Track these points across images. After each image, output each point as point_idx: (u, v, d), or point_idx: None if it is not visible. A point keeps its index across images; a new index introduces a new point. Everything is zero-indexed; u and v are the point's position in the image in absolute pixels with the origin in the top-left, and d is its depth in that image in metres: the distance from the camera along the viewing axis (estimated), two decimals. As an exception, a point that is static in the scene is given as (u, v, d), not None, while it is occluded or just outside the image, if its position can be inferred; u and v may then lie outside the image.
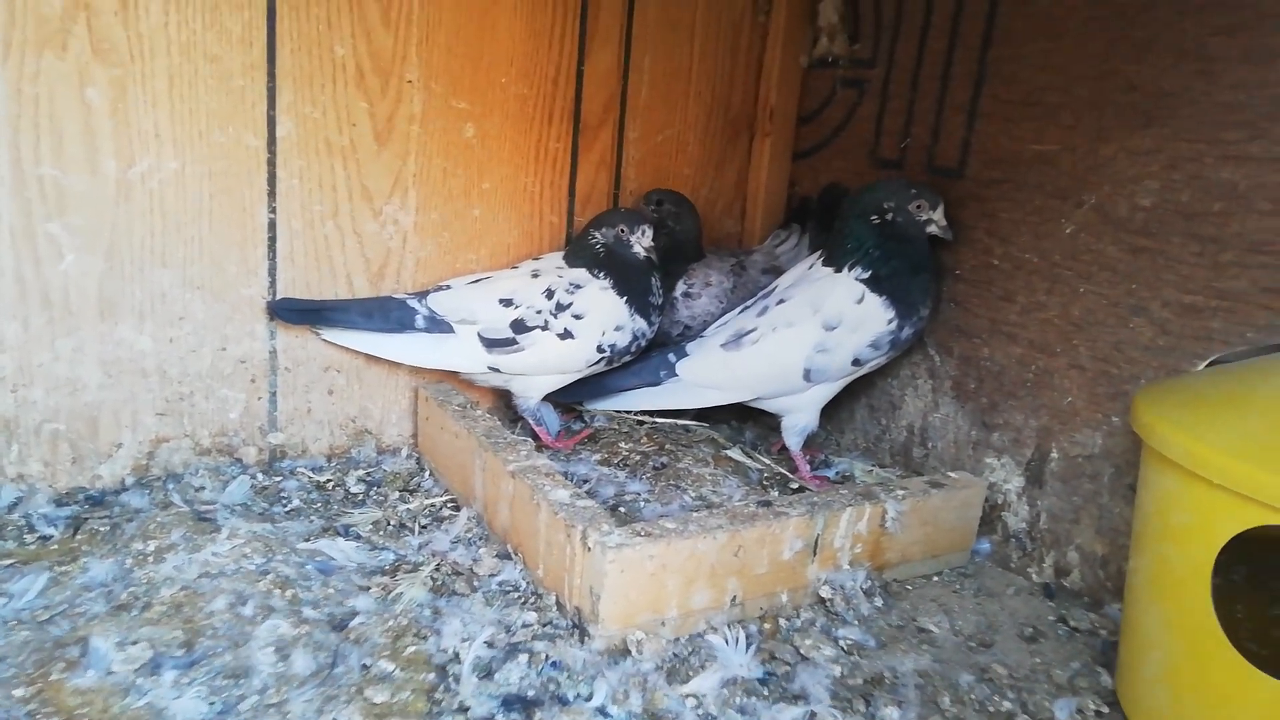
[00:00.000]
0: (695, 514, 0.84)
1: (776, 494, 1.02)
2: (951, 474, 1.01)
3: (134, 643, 0.70)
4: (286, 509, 0.97)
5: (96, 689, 0.66)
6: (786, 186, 1.33)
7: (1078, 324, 0.94)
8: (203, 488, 0.97)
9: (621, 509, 0.96)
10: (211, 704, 0.65)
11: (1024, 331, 1.00)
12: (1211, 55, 0.82)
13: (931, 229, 1.03)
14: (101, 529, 0.88)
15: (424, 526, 0.95)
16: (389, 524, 0.95)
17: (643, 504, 0.96)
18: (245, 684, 0.68)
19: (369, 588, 0.82)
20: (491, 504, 0.94)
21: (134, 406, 0.99)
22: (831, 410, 1.22)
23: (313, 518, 0.94)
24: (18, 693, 0.65)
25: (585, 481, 0.99)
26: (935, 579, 0.98)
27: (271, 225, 1.03)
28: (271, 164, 1.01)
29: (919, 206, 1.02)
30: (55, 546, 0.86)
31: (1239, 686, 0.64)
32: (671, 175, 1.28)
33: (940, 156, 1.09)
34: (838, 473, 1.16)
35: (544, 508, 0.84)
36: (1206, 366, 0.82)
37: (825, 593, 0.89)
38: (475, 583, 0.85)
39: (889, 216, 1.03)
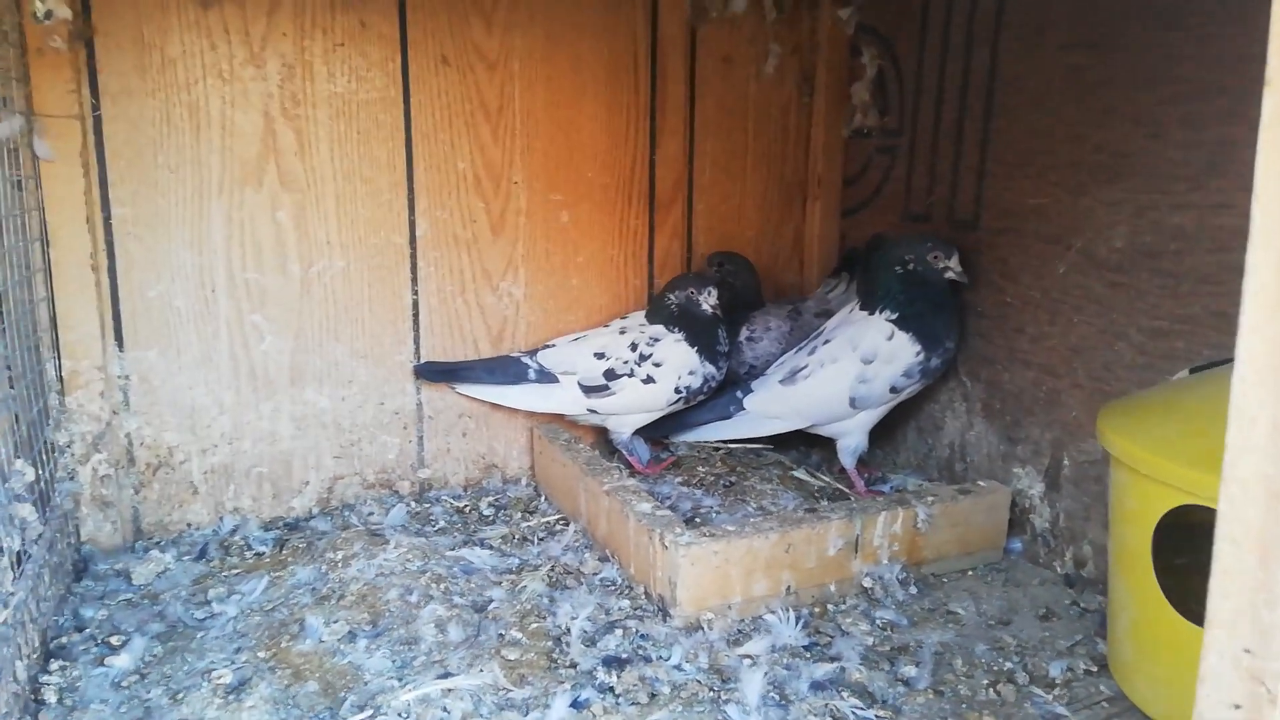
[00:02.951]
0: (752, 519, 1.05)
1: (825, 504, 1.22)
2: (980, 482, 1.19)
3: (336, 621, 0.96)
4: (435, 528, 1.23)
5: (313, 652, 0.92)
6: (837, 240, 1.54)
7: (1075, 349, 1.11)
8: (371, 513, 1.24)
9: (696, 519, 1.18)
10: (393, 661, 0.90)
11: (1035, 357, 1.17)
12: (1158, 121, 0.99)
13: (949, 274, 1.22)
14: (300, 545, 1.16)
15: (541, 538, 1.19)
16: (514, 537, 1.20)
17: (714, 515, 1.18)
18: (416, 648, 0.93)
19: (500, 583, 1.06)
20: (593, 518, 1.18)
21: (317, 452, 1.28)
22: (887, 433, 1.41)
23: (455, 533, 1.20)
24: (260, 654, 0.92)
25: (667, 499, 1.22)
26: (970, 573, 1.15)
27: (415, 304, 1.30)
28: (413, 257, 1.29)
29: (935, 257, 1.21)
30: (268, 559, 1.14)
31: (1180, 640, 0.80)
32: (736, 238, 1.50)
33: (959, 210, 1.27)
34: (892, 487, 1.34)
35: (631, 518, 1.06)
36: (1176, 379, 0.98)
37: (867, 583, 1.08)
38: (581, 579, 1.09)
39: (910, 266, 1.22)
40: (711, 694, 0.87)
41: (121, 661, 0.89)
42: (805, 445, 1.46)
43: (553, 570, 1.10)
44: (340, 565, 1.08)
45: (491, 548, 1.16)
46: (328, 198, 1.23)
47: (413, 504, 1.29)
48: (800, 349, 1.33)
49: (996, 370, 1.23)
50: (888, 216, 1.42)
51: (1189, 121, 0.96)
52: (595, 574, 1.10)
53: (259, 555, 1.15)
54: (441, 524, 1.24)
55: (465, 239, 1.32)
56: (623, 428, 1.33)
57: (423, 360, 1.31)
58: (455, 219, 1.31)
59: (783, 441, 1.42)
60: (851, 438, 1.29)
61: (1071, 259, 1.10)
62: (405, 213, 1.28)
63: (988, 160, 1.23)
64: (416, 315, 1.31)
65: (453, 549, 1.14)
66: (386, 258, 1.28)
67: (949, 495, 1.14)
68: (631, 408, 1.30)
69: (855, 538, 1.08)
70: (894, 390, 1.24)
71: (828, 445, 1.39)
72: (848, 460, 1.30)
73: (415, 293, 1.30)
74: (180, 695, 0.84)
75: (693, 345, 1.29)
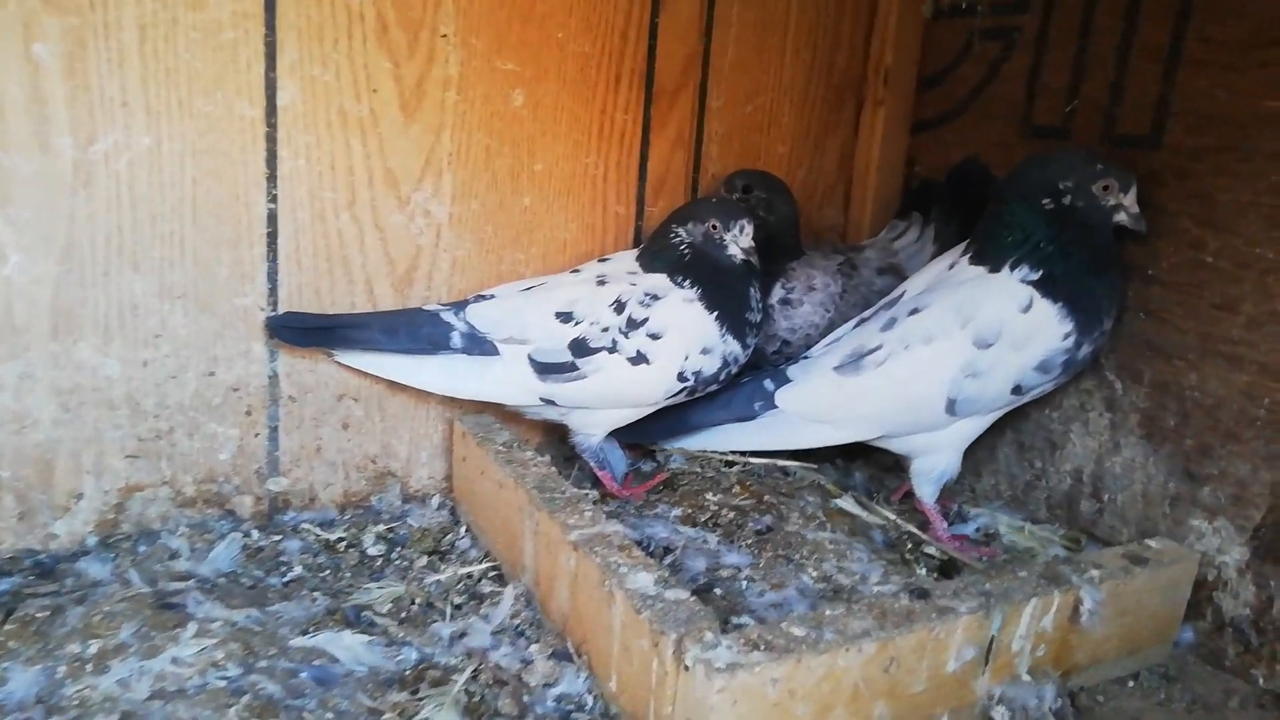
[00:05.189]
0: (829, 612, 0.60)
1: (925, 573, 0.78)
2: (1151, 543, 0.77)
3: (41, 815, 0.49)
4: (284, 580, 0.76)
5: None
6: (903, 166, 1.09)
7: (1342, 344, 0.69)
8: (178, 553, 0.76)
9: (717, 590, 0.72)
10: None
11: (1253, 352, 0.75)
12: None
13: (1120, 217, 0.79)
14: (40, 615, 0.67)
15: (458, 607, 0.73)
16: (413, 604, 0.73)
17: (745, 584, 0.72)
18: None
19: (382, 711, 0.60)
20: (546, 580, 0.72)
21: (99, 447, 0.79)
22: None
23: (316, 594, 0.73)
24: None
25: (668, 550, 0.76)
26: (1131, 684, 0.74)
27: (272, 217, 0.82)
28: (271, 140, 0.81)
29: (1105, 188, 0.78)
30: (-23, 641, 0.65)
31: None
32: (763, 153, 1.04)
33: (1125, 121, 0.84)
34: (978, 529, 0.92)
35: (620, 599, 0.61)
36: None
37: (999, 715, 0.65)
38: (525, 698, 0.63)
39: (1066, 200, 0.78)
40: None
41: None
42: (844, 456, 1.02)
43: (475, 680, 0.64)
44: (90, 668, 0.60)
45: (373, 626, 0.69)
46: (126, 28, 0.74)
47: (254, 535, 0.82)
48: (866, 321, 0.88)
49: (1174, 367, 0.80)
50: (991, 132, 0.97)
51: None
52: (548, 686, 0.64)
53: (-34, 629, 0.66)
54: (296, 572, 0.77)
55: (359, 118, 0.83)
56: (592, 428, 0.87)
57: (282, 309, 0.83)
58: (344, 84, 0.82)
59: (809, 450, 0.97)
60: (938, 458, 0.86)
61: (1354, 197, 0.68)
62: (260, 66, 0.79)
63: (1186, 40, 0.79)
64: (273, 235, 0.82)
65: (305, 630, 0.67)
66: (227, 138, 0.79)
67: (1117, 565, 0.72)
68: (610, 399, 0.84)
69: (989, 641, 0.64)
70: (1017, 390, 0.81)
71: (875, 455, 0.96)
72: (926, 491, 0.87)
73: (273, 199, 0.81)
74: None
75: (711, 309, 0.83)
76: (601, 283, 0.84)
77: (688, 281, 0.84)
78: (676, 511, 0.83)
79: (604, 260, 0.90)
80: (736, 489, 0.87)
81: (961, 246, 0.86)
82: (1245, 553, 0.76)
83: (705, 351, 0.83)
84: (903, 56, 1.05)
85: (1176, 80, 0.80)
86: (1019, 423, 0.95)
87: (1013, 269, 0.79)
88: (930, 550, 0.85)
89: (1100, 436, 0.87)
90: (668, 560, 0.74)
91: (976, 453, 0.99)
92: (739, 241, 0.83)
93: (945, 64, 1.03)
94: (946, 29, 1.03)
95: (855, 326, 0.89)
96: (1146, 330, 0.83)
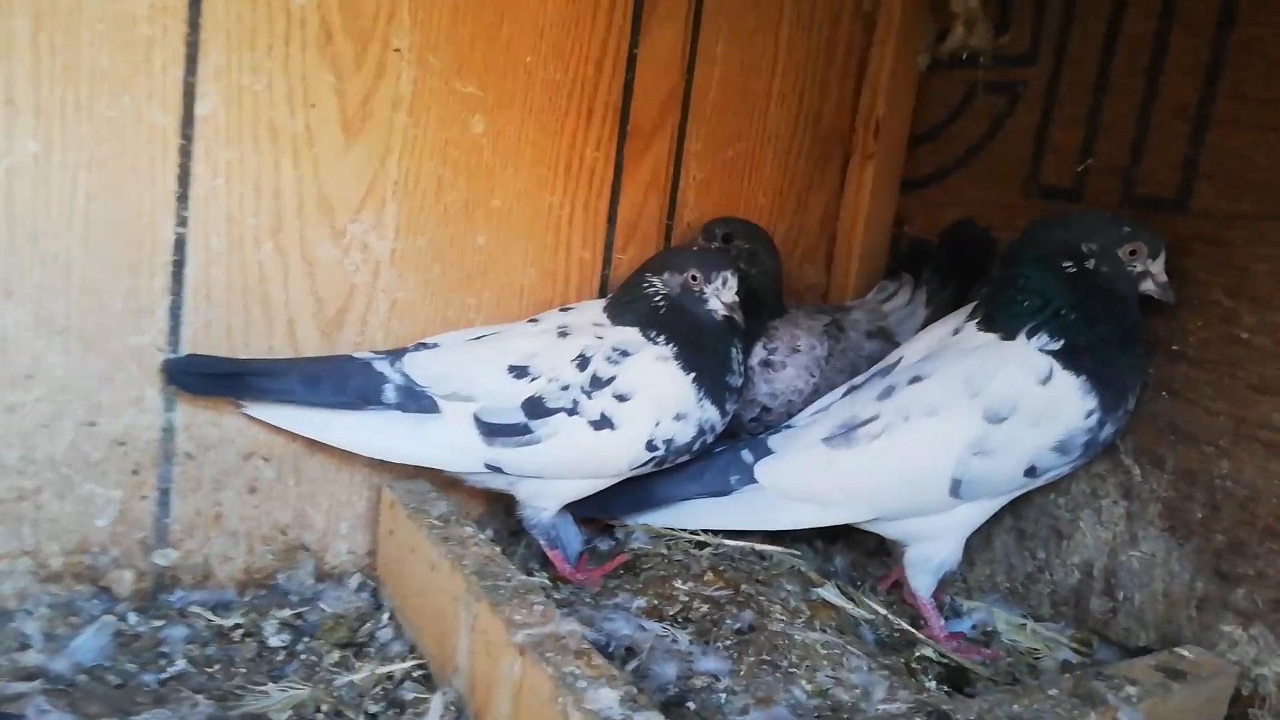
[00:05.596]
0: (833, 744, 0.49)
1: (935, 685, 0.67)
2: (1183, 652, 0.67)
3: None
4: (161, 678, 0.62)
5: None
6: (891, 225, 1.01)
7: (1405, 435, 0.61)
8: (29, 642, 0.62)
9: (690, 704, 0.60)
10: None
11: (1296, 440, 0.66)
12: None
13: (1146, 285, 0.71)
14: None
15: (373, 718, 0.60)
16: (319, 712, 0.60)
17: (724, 697, 0.61)
18: None
19: None
20: (483, 687, 0.59)
21: (-56, 507, 0.65)
22: (958, 531, 0.88)
23: (199, 698, 0.59)
24: None
25: (631, 651, 0.64)
26: (1166, 822, 0.63)
27: (180, 243, 0.70)
28: (186, 154, 0.70)
29: (1133, 253, 0.70)
30: None
31: None
32: (743, 203, 0.96)
33: (1147, 182, 0.77)
34: (974, 626, 0.82)
35: (575, 724, 0.49)
36: None
37: None
38: (451, 846, 0.50)
39: (1089, 264, 0.70)
40: None
41: None
42: (823, 537, 0.92)
43: (389, 821, 0.51)
44: (-122, 804, 0.46)
45: (266, 745, 0.56)
46: (18, 13, 0.65)
47: (131, 619, 0.68)
48: (859, 388, 0.79)
49: (1204, 454, 0.72)
50: (991, 192, 0.90)
51: None
52: (481, 829, 0.51)
53: None
54: (177, 668, 0.63)
55: (293, 136, 0.73)
56: (544, 501, 0.75)
57: (185, 350, 0.71)
58: (277, 96, 0.72)
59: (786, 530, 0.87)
60: (937, 546, 0.76)
61: None
62: (179, 69, 0.68)
63: (1217, 98, 0.72)
64: (179, 264, 0.70)
65: (178, 750, 0.53)
66: (132, 149, 0.68)
67: (1153, 682, 0.62)
68: (566, 469, 0.73)
69: (1018, 780, 0.53)
70: (1031, 473, 0.72)
71: (856, 536, 0.86)
72: (922, 583, 0.77)
73: (182, 221, 0.70)
74: None
75: (688, 370, 0.73)
76: (563, 334, 0.74)
77: (662, 337, 0.73)
78: (640, 602, 0.71)
79: (566, 310, 0.79)
80: (709, 575, 0.76)
81: (966, 311, 0.78)
82: (1288, 668, 0.67)
83: (679, 418, 0.72)
84: (895, 109, 0.97)
85: (1206, 140, 0.73)
86: (1020, 508, 0.85)
87: (1030, 337, 0.71)
88: (927, 651, 0.74)
89: (1115, 527, 0.78)
90: (631, 665, 0.62)
91: (970, 538, 0.90)
92: (721, 295, 0.74)
93: (941, 118, 0.96)
94: (943, 81, 0.96)
95: (845, 394, 0.80)
96: (1170, 411, 0.74)
